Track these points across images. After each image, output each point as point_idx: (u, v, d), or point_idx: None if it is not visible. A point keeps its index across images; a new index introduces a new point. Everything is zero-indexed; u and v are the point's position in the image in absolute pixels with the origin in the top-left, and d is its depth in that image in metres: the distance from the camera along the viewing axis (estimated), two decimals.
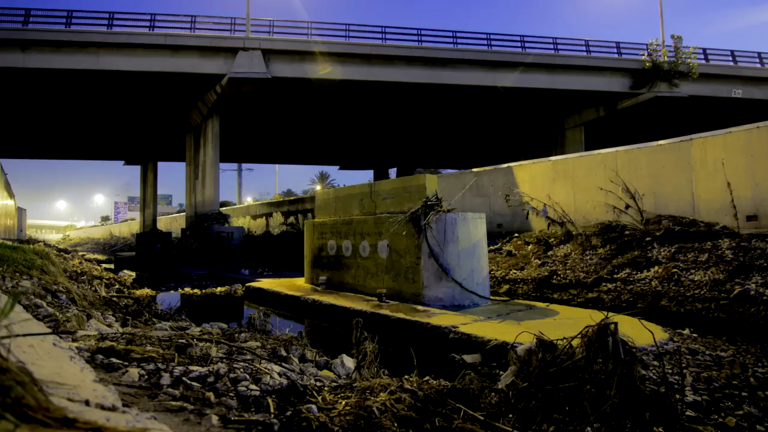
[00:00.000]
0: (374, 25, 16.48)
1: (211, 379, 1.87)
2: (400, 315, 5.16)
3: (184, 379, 1.82)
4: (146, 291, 8.00)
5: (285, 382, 1.98)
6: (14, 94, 15.81)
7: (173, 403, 1.54)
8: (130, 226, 43.04)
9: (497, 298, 6.63)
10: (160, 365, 1.92)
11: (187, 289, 9.51)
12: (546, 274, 7.75)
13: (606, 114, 18.68)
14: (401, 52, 15.68)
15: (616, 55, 17.92)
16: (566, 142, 19.91)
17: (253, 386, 1.87)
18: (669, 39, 18.02)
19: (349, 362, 2.98)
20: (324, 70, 14.97)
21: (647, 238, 7.61)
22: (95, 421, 0.67)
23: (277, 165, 45.97)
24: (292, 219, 22.46)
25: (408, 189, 6.55)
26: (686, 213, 8.07)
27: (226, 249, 14.91)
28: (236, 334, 2.97)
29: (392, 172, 29.82)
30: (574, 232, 9.05)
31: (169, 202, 61.70)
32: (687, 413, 2.50)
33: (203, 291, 9.27)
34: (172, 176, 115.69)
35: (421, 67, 15.84)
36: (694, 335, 4.37)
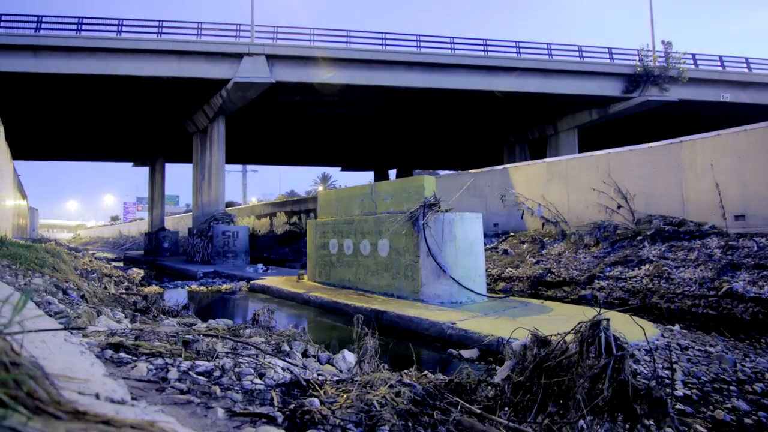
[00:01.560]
0: (375, 32, 16.48)
1: (216, 374, 1.91)
2: (400, 311, 5.23)
3: (190, 373, 1.86)
4: (154, 288, 8.06)
5: (288, 376, 2.03)
6: (27, 97, 15.81)
7: (180, 396, 1.57)
8: (138, 225, 42.96)
9: (493, 295, 6.71)
10: (167, 360, 1.96)
11: (194, 287, 9.59)
12: (541, 271, 7.85)
13: (599, 117, 18.87)
14: (401, 58, 15.81)
15: (608, 60, 18.06)
16: (560, 144, 20.04)
17: (257, 380, 1.91)
18: (660, 44, 18.21)
19: (350, 357, 3.04)
20: (326, 75, 15.04)
21: (638, 237, 7.73)
22: (105, 414, 0.68)
23: (280, 166, 45.87)
24: (295, 219, 22.47)
25: (407, 190, 6.62)
26: (676, 213, 8.19)
27: (231, 248, 15.05)
28: (241, 330, 3.02)
29: (392, 173, 29.93)
30: (567, 232, 9.15)
31: (176, 202, 61.30)
32: (677, 406, 2.58)
33: (209, 288, 9.36)
34: (179, 177, 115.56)
35: (420, 72, 15.95)
36: (684, 331, 4.47)
